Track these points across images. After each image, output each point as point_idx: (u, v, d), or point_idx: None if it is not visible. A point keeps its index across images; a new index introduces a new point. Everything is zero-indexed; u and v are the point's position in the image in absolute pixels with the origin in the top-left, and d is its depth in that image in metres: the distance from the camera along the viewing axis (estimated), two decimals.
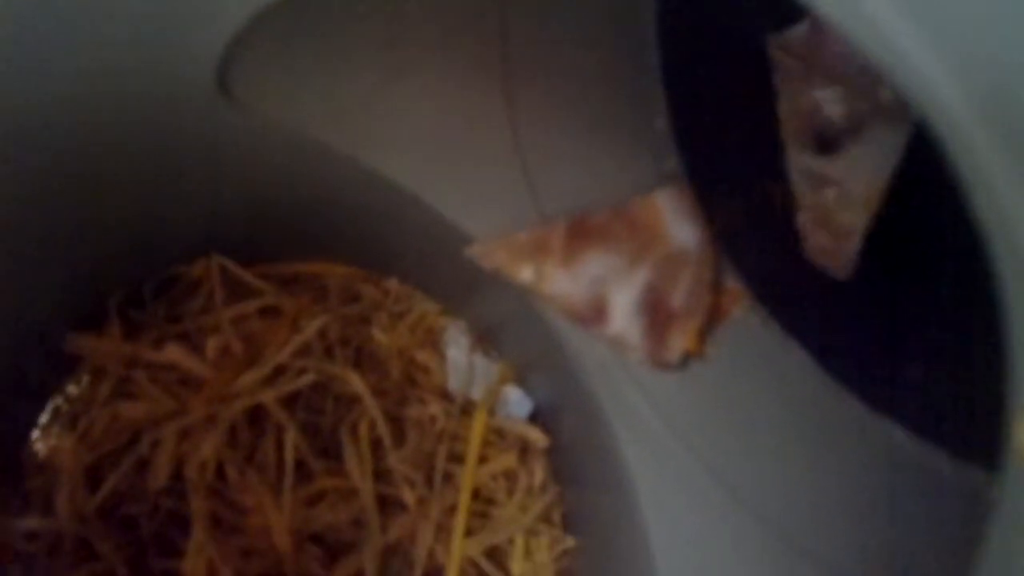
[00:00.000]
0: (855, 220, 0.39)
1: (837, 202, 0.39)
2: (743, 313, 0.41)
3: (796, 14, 0.39)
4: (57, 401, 0.45)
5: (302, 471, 0.43)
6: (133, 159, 0.37)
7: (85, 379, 0.44)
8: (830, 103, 0.39)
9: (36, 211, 0.37)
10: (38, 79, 0.30)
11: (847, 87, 0.39)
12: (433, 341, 0.49)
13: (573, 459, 0.47)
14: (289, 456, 0.42)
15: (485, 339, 0.50)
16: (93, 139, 0.34)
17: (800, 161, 0.40)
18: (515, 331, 0.47)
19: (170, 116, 0.34)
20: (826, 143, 0.39)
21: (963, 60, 0.16)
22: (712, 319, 0.40)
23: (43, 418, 0.45)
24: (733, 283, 0.41)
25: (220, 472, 0.42)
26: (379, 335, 0.47)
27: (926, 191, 0.38)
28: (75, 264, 0.41)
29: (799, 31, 0.38)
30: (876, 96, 0.38)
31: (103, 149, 0.35)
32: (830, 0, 0.18)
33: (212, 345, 0.43)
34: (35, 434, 0.45)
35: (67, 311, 0.44)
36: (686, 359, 0.40)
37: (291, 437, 0.42)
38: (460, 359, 0.49)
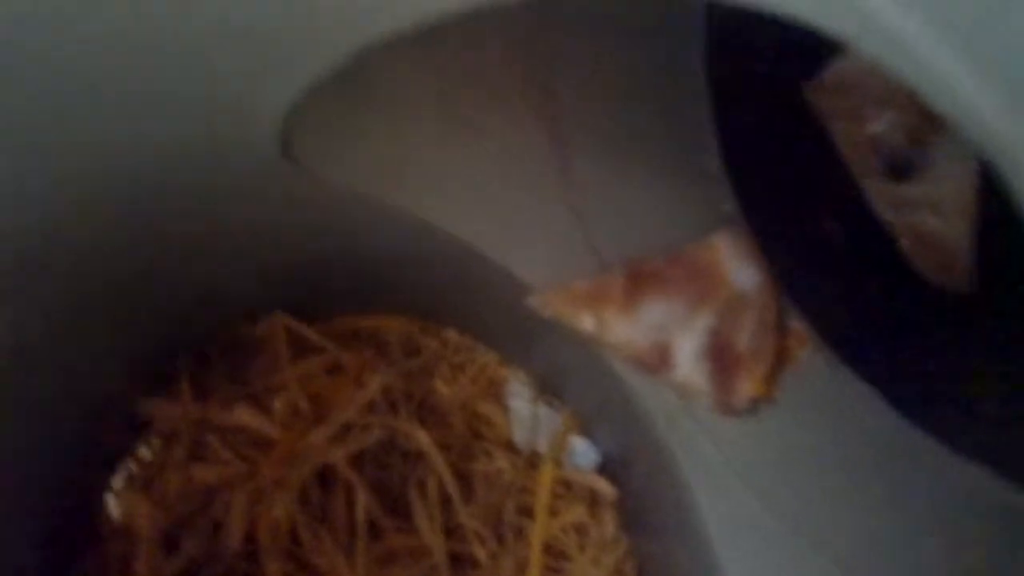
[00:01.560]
0: (957, 232, 0.38)
1: (933, 221, 0.39)
2: (809, 354, 0.40)
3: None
4: (130, 465, 0.46)
5: (373, 530, 0.43)
6: (198, 224, 0.38)
7: (157, 443, 0.45)
8: (889, 131, 0.39)
9: (106, 280, 0.38)
10: (111, 151, 0.31)
11: (899, 110, 0.38)
12: (495, 392, 0.49)
13: (644, 509, 0.46)
14: (360, 516, 0.42)
15: (548, 389, 0.49)
16: (159, 207, 0.35)
17: (880, 192, 0.39)
18: (578, 380, 0.47)
19: (234, 182, 0.34)
20: (899, 169, 0.39)
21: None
22: (778, 362, 0.40)
23: (117, 482, 0.46)
24: (797, 324, 0.40)
25: (293, 534, 0.42)
26: (441, 387, 0.48)
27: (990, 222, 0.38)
28: (144, 329, 0.42)
29: (834, 71, 0.38)
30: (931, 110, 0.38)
31: (168, 216, 0.36)
32: (875, 41, 0.18)
33: (279, 405, 0.44)
34: (109, 498, 0.46)
35: (137, 376, 0.45)
36: (755, 404, 0.39)
37: (362, 496, 0.42)
38: (523, 410, 0.49)
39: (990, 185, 0.39)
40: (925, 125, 0.39)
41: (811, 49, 0.39)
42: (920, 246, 0.41)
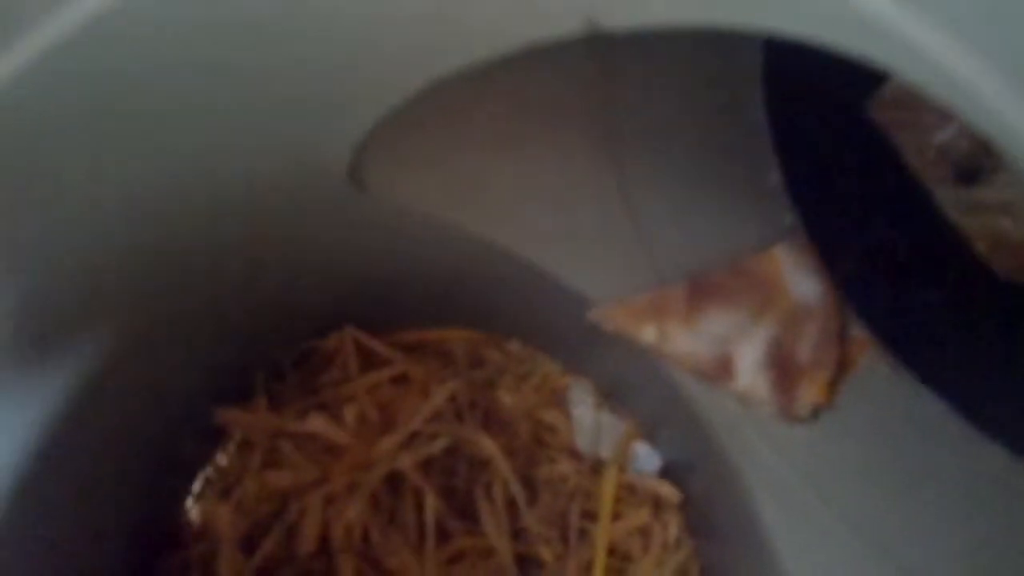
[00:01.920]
0: None
1: (1007, 222, 0.39)
2: (871, 362, 0.40)
3: None
4: (208, 472, 0.48)
5: (441, 532, 0.44)
6: (272, 247, 0.39)
7: (233, 450, 0.47)
8: (955, 139, 0.39)
9: (184, 300, 0.40)
10: (201, 184, 0.32)
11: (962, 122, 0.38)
12: (558, 401, 0.50)
13: (707, 513, 0.47)
14: (429, 518, 0.43)
15: (610, 397, 0.50)
16: (235, 232, 0.37)
17: (951, 198, 0.40)
18: (640, 388, 0.48)
19: (308, 209, 0.36)
20: (968, 174, 0.39)
21: None
22: (840, 369, 0.40)
23: (196, 487, 0.48)
24: (859, 332, 0.41)
25: (364, 536, 0.44)
26: (505, 397, 0.49)
27: None
28: (224, 344, 0.44)
29: (895, 85, 0.38)
30: None
31: (243, 240, 0.38)
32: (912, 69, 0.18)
33: (350, 414, 0.45)
34: (189, 503, 0.48)
35: (216, 387, 0.47)
36: (817, 412, 0.39)
37: (430, 500, 0.43)
38: (586, 418, 0.50)
39: None
40: None
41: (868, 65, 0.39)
42: (997, 247, 0.41)
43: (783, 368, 0.39)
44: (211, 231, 0.36)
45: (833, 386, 0.40)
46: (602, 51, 0.35)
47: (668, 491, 0.47)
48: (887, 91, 0.39)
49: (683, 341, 0.40)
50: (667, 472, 0.49)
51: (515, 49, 0.24)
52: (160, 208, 0.33)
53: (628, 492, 0.48)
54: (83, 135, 0.27)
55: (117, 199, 0.32)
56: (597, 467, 0.49)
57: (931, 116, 0.40)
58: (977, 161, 0.39)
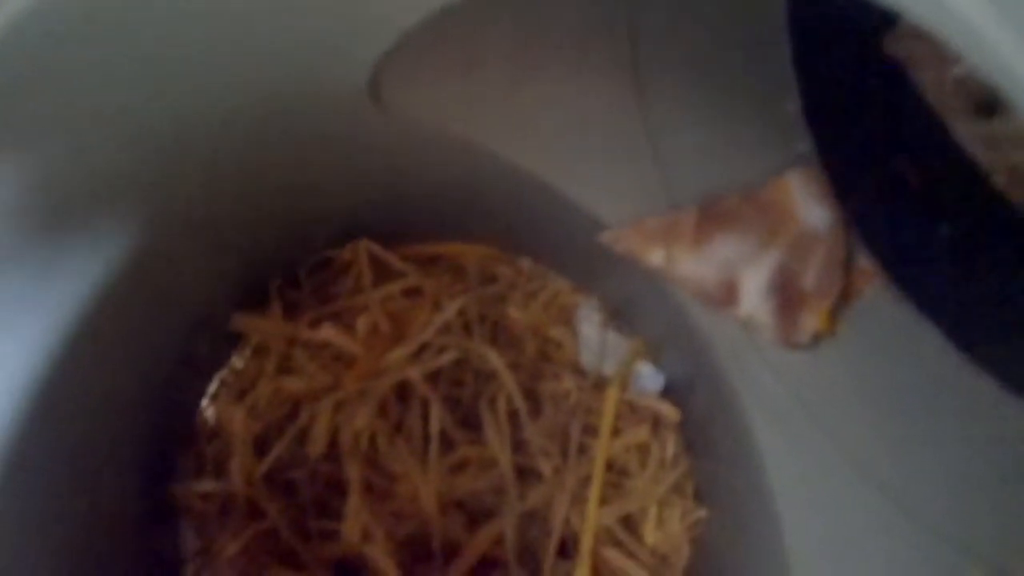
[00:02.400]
0: None
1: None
2: (875, 292, 0.41)
3: None
4: (223, 374, 0.50)
5: (445, 441, 0.46)
6: (290, 157, 0.40)
7: (248, 355, 0.48)
8: (971, 72, 0.39)
9: (206, 205, 0.41)
10: (214, 90, 0.33)
11: None
12: (566, 318, 0.51)
13: (704, 434, 0.48)
14: (434, 428, 0.45)
15: (617, 316, 0.51)
16: (255, 140, 0.37)
17: (970, 131, 0.39)
18: (647, 309, 0.48)
19: (326, 120, 0.36)
20: (985, 106, 0.38)
21: None
22: (844, 298, 0.41)
23: (211, 388, 0.50)
24: (865, 262, 0.41)
25: (372, 442, 0.45)
26: (514, 313, 0.50)
27: None
28: (239, 251, 0.45)
29: (908, 26, 0.38)
30: None
31: (263, 149, 0.38)
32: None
33: (362, 324, 0.46)
34: (205, 403, 0.50)
35: (231, 294, 0.48)
36: (817, 339, 0.40)
37: (436, 410, 0.45)
38: (592, 335, 0.50)
39: None
40: None
41: None
42: (1015, 180, 0.41)
43: (787, 294, 0.40)
44: (233, 135, 0.36)
45: (835, 315, 0.40)
46: None
47: (668, 410, 0.48)
48: (903, 24, 0.38)
49: (690, 265, 0.40)
50: (668, 392, 0.50)
51: None
52: (182, 111, 0.34)
53: (628, 410, 0.49)
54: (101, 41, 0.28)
55: (139, 101, 0.32)
56: (600, 384, 0.50)
57: (948, 51, 0.39)
58: (994, 94, 0.39)
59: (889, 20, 0.40)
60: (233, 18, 0.27)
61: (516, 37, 0.35)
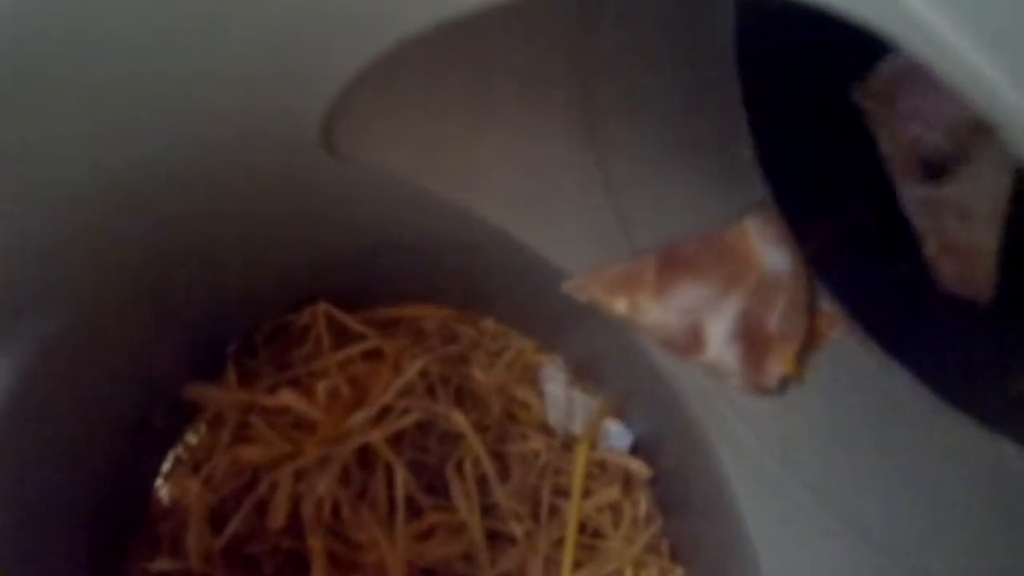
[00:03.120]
0: (984, 239, 0.39)
1: (961, 224, 0.39)
2: (840, 336, 0.41)
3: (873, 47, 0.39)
4: (178, 450, 0.48)
5: (412, 507, 0.44)
6: (242, 215, 0.39)
7: (203, 428, 0.47)
8: (929, 132, 0.39)
9: (155, 272, 0.40)
10: (155, 146, 0.32)
11: (939, 113, 0.39)
12: (531, 378, 0.50)
13: (677, 489, 0.47)
14: (400, 493, 0.43)
15: (582, 374, 0.50)
16: (205, 198, 0.36)
17: (912, 192, 0.40)
18: (612, 364, 0.48)
19: (277, 173, 0.36)
20: (934, 168, 0.39)
21: None
22: (809, 343, 0.40)
23: (166, 466, 0.48)
24: (828, 306, 0.41)
25: (335, 511, 0.43)
26: (478, 373, 0.49)
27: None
28: (193, 317, 0.44)
29: (881, 76, 0.39)
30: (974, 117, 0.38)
31: (214, 208, 0.38)
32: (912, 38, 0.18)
33: (321, 389, 0.45)
34: (159, 482, 0.48)
35: (185, 363, 0.46)
36: (785, 384, 0.40)
37: (401, 475, 0.43)
38: (559, 394, 0.50)
39: None
40: (965, 128, 0.39)
41: (840, 43, 0.40)
42: (944, 253, 0.41)
43: (753, 339, 0.40)
44: (178, 201, 0.36)
45: (801, 357, 0.40)
46: (584, 16, 0.35)
47: (638, 467, 0.47)
48: (876, 80, 0.39)
49: (654, 312, 0.40)
50: (638, 449, 0.49)
51: (490, 3, 0.24)
52: (123, 178, 0.33)
53: (599, 468, 0.48)
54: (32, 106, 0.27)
55: (76, 171, 0.31)
56: (568, 444, 0.49)
57: (906, 107, 0.40)
58: (946, 157, 0.40)
59: (843, 65, 0.40)
60: (165, 65, 0.27)
61: (473, 83, 0.35)
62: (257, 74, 0.28)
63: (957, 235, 0.40)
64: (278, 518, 0.42)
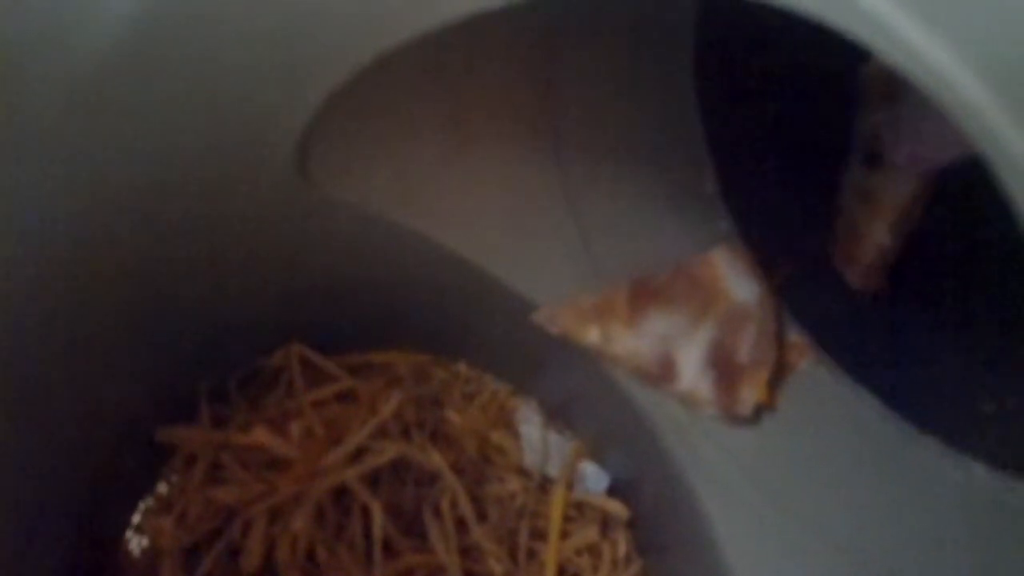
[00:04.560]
0: (881, 235, 0.40)
1: (866, 215, 0.40)
2: (810, 365, 0.42)
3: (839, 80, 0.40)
4: (148, 502, 0.47)
5: (388, 549, 0.44)
6: (215, 252, 0.39)
7: (175, 471, 0.46)
8: (885, 125, 0.40)
9: (123, 314, 0.40)
10: (123, 176, 0.32)
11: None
12: (506, 421, 0.50)
13: (656, 529, 0.47)
14: (377, 534, 0.43)
15: (557, 416, 0.51)
16: (176, 234, 0.37)
17: (852, 174, 0.41)
18: (587, 404, 0.48)
19: (249, 206, 0.36)
20: (874, 157, 0.40)
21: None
22: (780, 372, 0.41)
23: (136, 518, 0.47)
24: (797, 336, 0.42)
25: (310, 552, 0.43)
26: (453, 416, 0.49)
27: (991, 232, 0.39)
28: (164, 360, 0.44)
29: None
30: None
31: (185, 243, 0.38)
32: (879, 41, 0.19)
33: (295, 429, 0.45)
34: (129, 534, 0.47)
35: (157, 407, 0.46)
36: (758, 412, 0.40)
37: (378, 515, 0.43)
38: (534, 437, 0.50)
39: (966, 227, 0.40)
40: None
41: (803, 77, 0.41)
42: (845, 234, 0.42)
43: (724, 368, 0.40)
44: (147, 231, 0.36)
45: (773, 385, 0.40)
46: (551, 47, 0.36)
47: (616, 507, 0.47)
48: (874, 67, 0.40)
49: (626, 341, 0.40)
50: (615, 490, 0.49)
51: (462, 15, 0.25)
52: (89, 211, 0.33)
53: (576, 511, 0.48)
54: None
55: (39, 204, 0.31)
56: (545, 486, 0.48)
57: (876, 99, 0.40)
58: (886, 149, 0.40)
59: (815, 106, 0.41)
60: (135, 71, 0.27)
61: (443, 116, 0.36)
62: (229, 93, 0.29)
63: (860, 223, 0.41)
64: (253, 560, 0.42)
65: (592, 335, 0.40)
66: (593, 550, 0.47)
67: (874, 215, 0.40)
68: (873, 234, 0.40)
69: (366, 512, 0.44)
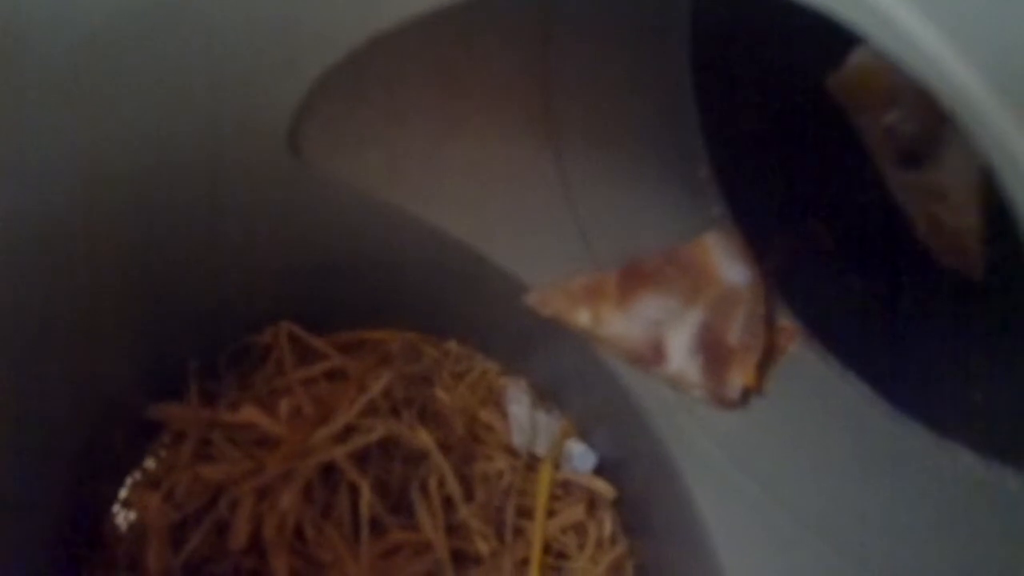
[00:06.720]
0: (964, 221, 0.39)
1: (946, 208, 0.40)
2: (799, 349, 0.42)
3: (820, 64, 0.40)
4: (135, 477, 0.47)
5: (376, 526, 0.44)
6: (207, 230, 0.39)
7: (164, 447, 0.46)
8: (900, 123, 0.40)
9: (114, 289, 0.39)
10: (117, 155, 0.32)
11: (910, 106, 0.39)
12: (495, 399, 0.50)
13: (642, 509, 0.47)
14: (364, 511, 0.43)
15: (546, 396, 0.51)
16: (168, 207, 0.36)
17: (897, 178, 0.41)
18: (576, 384, 0.48)
19: (243, 183, 0.36)
20: (912, 157, 0.40)
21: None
22: (769, 356, 0.41)
23: (123, 492, 0.47)
24: (786, 321, 0.42)
25: (298, 530, 0.43)
26: (442, 394, 0.49)
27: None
28: (155, 336, 0.43)
29: (849, 69, 0.39)
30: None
31: (178, 222, 0.38)
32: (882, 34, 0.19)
33: (284, 406, 0.45)
34: (116, 508, 0.47)
35: (146, 384, 0.46)
36: (747, 396, 0.40)
37: (366, 493, 0.43)
38: (522, 416, 0.50)
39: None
40: (934, 116, 0.40)
41: (797, 63, 0.41)
42: (934, 231, 0.42)
43: (713, 351, 0.40)
44: (140, 209, 0.36)
45: (762, 369, 0.41)
46: (547, 31, 0.36)
47: (602, 487, 0.47)
48: (846, 70, 0.39)
49: (617, 324, 0.40)
50: (602, 470, 0.49)
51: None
52: (83, 188, 0.33)
53: (563, 489, 0.48)
54: None
55: (33, 182, 0.31)
56: (532, 464, 0.49)
57: (880, 97, 0.40)
58: (920, 145, 0.40)
59: (809, 91, 0.41)
60: (134, 64, 0.27)
61: (438, 97, 0.35)
62: (224, 73, 0.29)
63: (939, 217, 0.41)
64: (240, 538, 0.42)
65: (583, 317, 0.40)
66: (579, 529, 0.48)
67: (954, 206, 0.40)
68: (963, 222, 0.40)
69: (354, 490, 0.44)
